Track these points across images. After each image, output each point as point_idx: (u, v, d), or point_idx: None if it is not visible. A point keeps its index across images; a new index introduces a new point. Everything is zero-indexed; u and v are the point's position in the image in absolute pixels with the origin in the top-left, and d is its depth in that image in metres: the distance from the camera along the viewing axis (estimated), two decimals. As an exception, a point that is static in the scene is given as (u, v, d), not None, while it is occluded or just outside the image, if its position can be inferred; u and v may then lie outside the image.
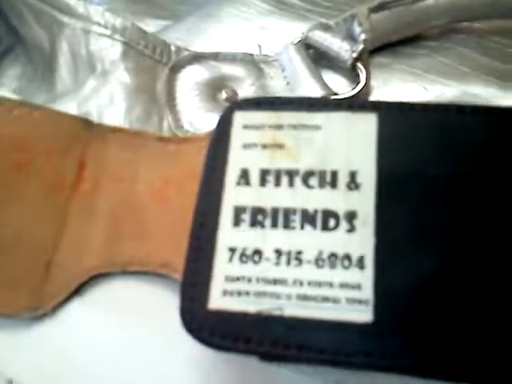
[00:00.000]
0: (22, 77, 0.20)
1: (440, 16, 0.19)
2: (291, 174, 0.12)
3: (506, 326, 0.10)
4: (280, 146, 0.12)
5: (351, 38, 0.18)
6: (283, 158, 0.12)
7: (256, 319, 0.11)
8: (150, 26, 0.22)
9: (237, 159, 0.12)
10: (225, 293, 0.11)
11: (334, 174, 0.12)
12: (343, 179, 0.11)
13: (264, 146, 0.12)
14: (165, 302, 0.13)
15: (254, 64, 0.19)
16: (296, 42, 0.18)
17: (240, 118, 0.12)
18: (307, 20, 0.20)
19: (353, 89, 0.17)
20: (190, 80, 0.18)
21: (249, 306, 0.11)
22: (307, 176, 0.12)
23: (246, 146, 0.12)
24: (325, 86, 0.17)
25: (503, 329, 0.10)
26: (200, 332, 0.11)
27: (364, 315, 0.10)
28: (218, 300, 0.11)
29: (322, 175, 0.12)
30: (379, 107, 0.12)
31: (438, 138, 0.11)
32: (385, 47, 0.19)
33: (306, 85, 0.17)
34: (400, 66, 0.18)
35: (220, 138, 0.12)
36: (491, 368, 0.10)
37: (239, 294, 0.11)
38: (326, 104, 0.12)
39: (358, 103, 0.12)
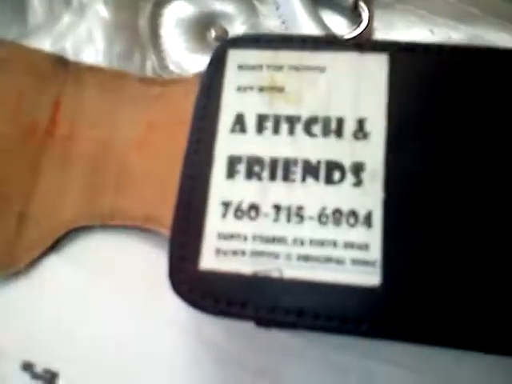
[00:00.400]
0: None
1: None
2: (292, 121, 0.10)
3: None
4: (279, 89, 0.11)
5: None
6: (283, 102, 0.11)
7: (252, 281, 0.10)
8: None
9: (231, 103, 0.11)
10: (218, 252, 0.10)
11: (340, 122, 0.10)
12: (350, 127, 0.10)
13: (261, 89, 0.11)
14: (150, 260, 0.12)
15: (246, 0, 0.17)
16: (292, -23, 0.17)
17: (234, 57, 0.11)
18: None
19: (355, 29, 0.16)
20: (176, 16, 0.16)
21: (244, 266, 0.10)
22: (309, 123, 0.10)
23: (242, 89, 0.11)
24: (324, 26, 0.16)
25: (505, 295, 0.09)
26: (190, 294, 0.10)
27: (371, 278, 0.09)
28: (210, 260, 0.10)
29: (326, 122, 0.10)
30: (391, 48, 0.11)
31: (454, 83, 0.10)
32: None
33: (303, 24, 0.16)
34: (404, 6, 0.17)
35: (212, 80, 0.11)
36: (494, 332, 0.09)
37: (234, 253, 0.10)
38: (332, 43, 0.11)
39: (367, 43, 0.11)
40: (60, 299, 0.12)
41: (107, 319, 0.12)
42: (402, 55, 0.11)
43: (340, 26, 0.17)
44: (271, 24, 0.17)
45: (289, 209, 0.10)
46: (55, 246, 0.13)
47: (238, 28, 0.17)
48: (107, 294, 0.12)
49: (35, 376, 0.11)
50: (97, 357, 0.12)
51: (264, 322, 0.10)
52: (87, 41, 0.15)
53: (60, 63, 0.14)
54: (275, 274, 0.10)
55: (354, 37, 0.15)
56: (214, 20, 0.17)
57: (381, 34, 0.16)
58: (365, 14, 0.16)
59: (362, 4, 0.16)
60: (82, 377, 0.12)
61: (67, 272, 0.13)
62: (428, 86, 0.10)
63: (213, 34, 0.16)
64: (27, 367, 0.11)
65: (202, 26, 0.17)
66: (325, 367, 0.11)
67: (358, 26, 0.16)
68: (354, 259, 0.10)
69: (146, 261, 0.13)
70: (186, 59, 0.16)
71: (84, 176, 0.13)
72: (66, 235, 0.13)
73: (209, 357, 0.11)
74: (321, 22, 0.16)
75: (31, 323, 0.12)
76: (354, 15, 0.16)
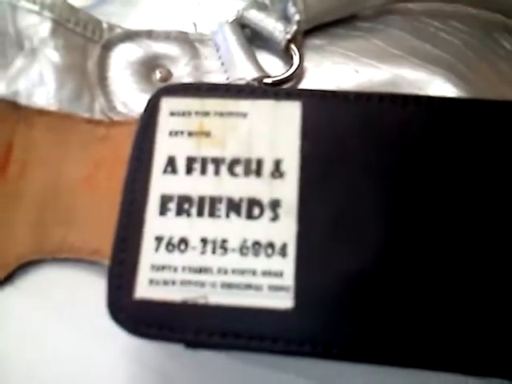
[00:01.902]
0: None
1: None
2: (217, 162, 0.12)
3: (416, 308, 0.11)
4: (206, 134, 0.12)
5: (286, 18, 0.18)
6: (209, 145, 0.12)
7: (181, 307, 0.11)
8: (80, 1, 0.21)
9: (164, 147, 0.12)
10: (151, 282, 0.11)
11: (259, 163, 0.12)
12: (268, 167, 0.12)
13: (190, 134, 0.12)
14: (99, 290, 0.13)
15: (189, 43, 0.18)
16: (231, 20, 0.18)
17: (167, 104, 0.12)
18: (245, -3, 0.19)
19: (286, 71, 0.17)
20: (123, 59, 0.18)
21: (174, 294, 0.11)
22: (233, 164, 0.12)
23: (173, 134, 0.12)
24: (259, 67, 0.17)
25: (417, 311, 0.11)
26: (127, 321, 0.11)
27: (284, 302, 0.11)
28: (144, 289, 0.11)
29: (247, 163, 0.12)
30: (303, 95, 0.12)
31: (361, 127, 0.12)
32: (319, 28, 0.19)
33: (240, 65, 0.17)
34: (333, 47, 0.18)
35: (147, 125, 0.12)
36: (405, 348, 0.11)
37: (165, 283, 0.11)
38: (253, 91, 0.12)
39: (283, 91, 0.12)
40: (14, 328, 0.13)
41: (59, 346, 0.13)
42: (313, 102, 0.12)
43: (275, 65, 0.18)
44: (212, 65, 0.18)
45: (214, 242, 0.11)
46: (10, 278, 0.14)
47: (181, 69, 0.18)
48: (59, 323, 0.13)
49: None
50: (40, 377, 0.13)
51: (191, 344, 0.11)
52: (39, 83, 0.17)
53: (12, 107, 0.15)
54: (202, 301, 0.11)
55: (286, 78, 0.17)
56: (159, 62, 0.18)
57: (311, 72, 0.18)
58: (296, 56, 0.17)
59: (293, 47, 0.18)
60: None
61: (21, 302, 0.14)
62: (337, 129, 0.12)
63: (158, 75, 0.18)
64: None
65: (148, 67, 0.18)
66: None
67: (290, 67, 0.17)
68: (271, 285, 0.11)
69: (95, 290, 0.14)
70: (133, 100, 0.17)
71: (34, 213, 0.14)
72: (19, 268, 0.14)
73: (146, 376, 0.12)
74: (256, 64, 0.17)
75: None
76: (286, 56, 0.18)
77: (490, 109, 0.12)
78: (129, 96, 0.17)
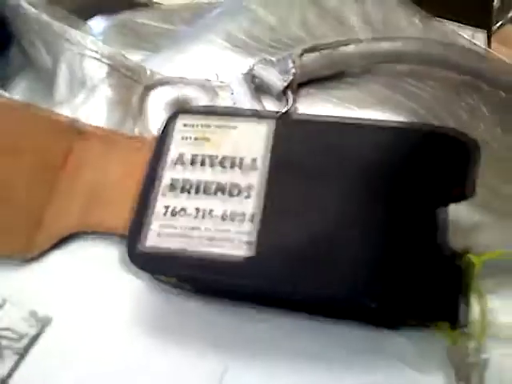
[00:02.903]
0: (30, 89, 0.25)
1: (359, 60, 0.24)
2: (212, 158, 0.17)
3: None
4: (207, 139, 0.17)
5: (286, 71, 0.23)
6: (208, 147, 0.17)
7: (178, 253, 0.16)
8: (136, 54, 0.27)
9: (177, 146, 0.17)
10: (159, 235, 0.16)
11: (241, 160, 0.17)
12: (247, 163, 0.17)
13: (196, 139, 0.17)
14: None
15: (211, 88, 0.24)
16: (244, 72, 0.24)
17: (182, 118, 0.18)
18: (256, 56, 0.25)
19: (283, 108, 0.22)
20: (159, 97, 0.23)
21: (174, 244, 0.16)
22: (223, 160, 0.17)
23: (184, 138, 0.17)
24: (262, 105, 0.22)
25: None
26: (139, 261, 0.16)
27: (249, 251, 0.15)
28: (153, 239, 0.16)
29: (233, 160, 0.17)
30: (276, 117, 0.17)
31: (313, 141, 0.17)
32: (314, 80, 0.24)
33: (248, 105, 0.23)
34: (323, 95, 0.24)
35: (167, 130, 0.17)
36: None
37: (168, 235, 0.16)
38: (242, 113, 0.17)
39: (263, 113, 0.17)
40: (58, 282, 0.18)
41: (90, 294, 0.18)
42: (283, 121, 0.17)
43: (276, 107, 0.23)
44: (226, 104, 0.23)
45: (204, 210, 0.16)
46: (60, 243, 0.19)
47: (203, 107, 0.23)
48: (93, 278, 0.18)
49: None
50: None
51: (181, 279, 0.16)
52: (94, 112, 0.22)
53: (73, 125, 0.20)
54: (192, 249, 0.16)
55: (282, 113, 0.22)
56: (187, 101, 0.23)
57: (302, 111, 0.23)
58: (290, 99, 0.23)
59: (288, 92, 0.23)
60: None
61: (66, 262, 0.19)
62: (297, 140, 0.17)
63: (185, 110, 0.23)
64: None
65: (178, 105, 0.23)
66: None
67: (286, 106, 0.22)
68: (240, 240, 0.16)
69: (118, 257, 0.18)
70: (163, 126, 0.22)
71: (83, 200, 0.19)
72: (68, 237, 0.19)
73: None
74: (260, 103, 0.23)
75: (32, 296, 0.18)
76: (284, 100, 0.23)
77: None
78: (159, 123, 0.22)
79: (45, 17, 0.23)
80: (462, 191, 0.17)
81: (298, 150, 0.16)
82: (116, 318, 0.17)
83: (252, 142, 0.17)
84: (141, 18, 0.33)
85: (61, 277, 0.18)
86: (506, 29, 0.57)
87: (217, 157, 0.17)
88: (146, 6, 0.38)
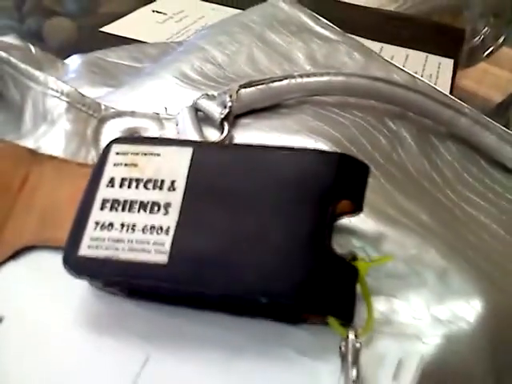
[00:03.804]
0: (3, 123, 0.28)
1: (290, 93, 0.28)
2: (138, 181, 0.20)
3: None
4: (135, 165, 0.20)
5: (223, 105, 0.26)
6: (135, 171, 0.20)
7: (105, 261, 0.18)
8: (100, 90, 0.31)
9: (109, 171, 0.20)
10: (89, 246, 0.19)
11: (163, 182, 0.20)
12: (167, 184, 0.19)
13: (126, 165, 0.20)
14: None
15: (159, 120, 0.27)
16: (189, 106, 0.27)
17: (115, 147, 0.21)
18: (203, 91, 0.28)
19: (220, 137, 0.25)
20: (112, 129, 0.26)
21: (101, 253, 0.19)
22: (147, 182, 0.20)
23: (116, 164, 0.20)
24: (201, 135, 0.26)
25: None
26: (73, 269, 0.19)
27: (163, 259, 0.18)
28: (84, 250, 0.19)
29: (155, 182, 0.20)
30: (195, 144, 0.20)
31: (224, 165, 0.20)
32: (252, 112, 0.27)
33: (190, 134, 0.26)
34: (257, 125, 0.27)
35: (102, 159, 0.20)
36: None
37: (97, 247, 0.19)
38: (166, 141, 0.20)
39: (184, 141, 0.20)
40: (12, 290, 0.21)
41: (41, 302, 0.21)
42: (200, 147, 0.20)
43: (215, 135, 0.26)
44: (171, 134, 0.26)
45: (128, 225, 0.19)
46: (14, 256, 0.22)
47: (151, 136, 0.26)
48: (44, 287, 0.21)
49: None
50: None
51: (108, 284, 0.18)
52: (54, 142, 0.25)
53: (32, 152, 0.23)
54: (115, 257, 0.18)
55: (218, 142, 0.25)
56: (136, 131, 0.27)
57: (237, 139, 0.26)
58: (225, 129, 0.26)
59: (224, 123, 0.26)
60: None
61: (18, 272, 0.21)
62: (211, 164, 0.20)
63: (133, 139, 0.26)
64: None
65: (128, 135, 0.26)
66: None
67: (222, 134, 0.25)
68: (156, 250, 0.18)
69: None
70: (114, 154, 0.25)
71: (38, 217, 0.22)
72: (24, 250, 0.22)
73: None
74: (200, 133, 0.26)
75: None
76: (221, 129, 0.26)
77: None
78: (111, 152, 0.25)
79: (13, 60, 0.27)
80: (354, 206, 0.20)
81: (210, 172, 0.19)
82: (61, 318, 0.20)
83: (172, 166, 0.20)
84: (112, 56, 0.36)
85: (14, 283, 0.21)
86: (500, 51, 0.60)
87: (142, 180, 0.20)
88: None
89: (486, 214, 0.25)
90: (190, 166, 0.20)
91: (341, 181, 0.19)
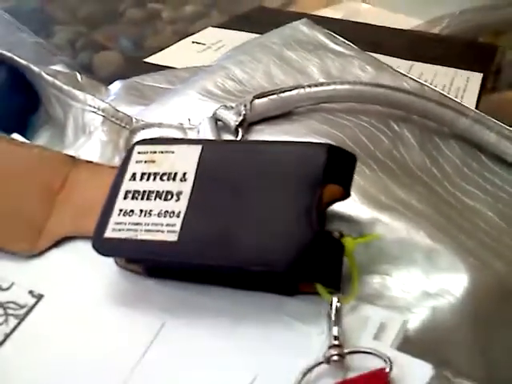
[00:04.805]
0: (50, 137, 0.33)
1: (299, 102, 0.30)
2: (155, 174, 0.23)
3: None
4: (153, 161, 0.23)
5: (239, 114, 0.30)
6: (153, 166, 0.23)
7: (126, 241, 0.22)
8: (135, 109, 0.34)
9: (131, 167, 0.23)
10: (113, 229, 0.22)
11: (176, 174, 0.23)
12: (179, 176, 0.23)
13: (146, 161, 0.24)
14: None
15: (183, 130, 0.30)
16: (210, 116, 0.30)
17: (137, 148, 0.24)
18: (222, 103, 0.31)
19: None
20: (142, 138, 0.30)
21: (124, 234, 0.22)
22: (163, 175, 0.23)
23: (137, 162, 0.24)
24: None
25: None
26: (101, 249, 0.22)
27: (174, 237, 0.21)
28: (109, 233, 0.22)
29: (169, 174, 0.23)
30: (204, 142, 0.23)
31: (228, 158, 0.23)
32: (266, 119, 0.30)
33: (209, 141, 0.29)
34: (269, 130, 0.30)
35: (126, 157, 0.24)
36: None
37: (119, 230, 0.22)
38: (179, 141, 0.24)
39: (194, 140, 0.24)
40: (54, 272, 0.25)
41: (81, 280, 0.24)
42: (208, 145, 0.23)
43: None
44: (193, 141, 0.30)
45: (146, 211, 0.22)
46: (56, 245, 0.25)
47: (175, 144, 0.30)
48: (83, 269, 0.24)
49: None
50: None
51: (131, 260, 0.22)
52: (91, 150, 0.29)
53: (71, 158, 0.27)
54: (135, 237, 0.22)
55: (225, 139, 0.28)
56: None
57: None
58: (239, 134, 0.29)
59: (239, 129, 0.29)
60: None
61: (62, 257, 0.25)
62: (216, 159, 0.23)
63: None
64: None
65: (156, 143, 0.30)
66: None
67: (237, 138, 0.29)
68: (169, 230, 0.21)
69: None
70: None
71: (75, 212, 0.26)
72: (64, 240, 0.25)
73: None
74: (219, 139, 0.29)
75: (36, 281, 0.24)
76: (235, 134, 0.29)
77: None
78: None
79: (57, 82, 0.31)
80: (343, 193, 0.22)
81: (216, 164, 0.22)
82: (92, 295, 0.23)
83: (184, 160, 0.23)
84: (148, 80, 0.40)
85: (54, 267, 0.24)
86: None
87: (158, 173, 0.23)
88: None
89: (482, 203, 0.27)
90: (199, 160, 0.23)
91: (329, 167, 0.22)
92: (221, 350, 0.20)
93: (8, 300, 0.23)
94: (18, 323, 0.22)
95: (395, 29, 0.71)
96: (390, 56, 0.61)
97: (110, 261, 0.24)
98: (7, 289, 0.23)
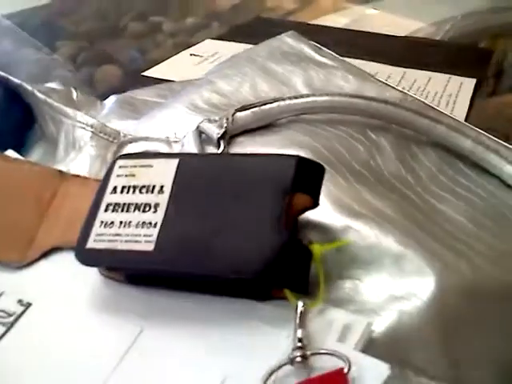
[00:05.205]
0: (43, 153, 0.34)
1: (280, 114, 0.32)
2: (135, 187, 0.24)
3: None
4: (133, 175, 0.25)
5: (221, 126, 0.31)
6: (133, 180, 0.25)
7: (106, 251, 0.23)
8: (126, 123, 0.36)
9: (112, 182, 0.25)
10: (94, 240, 0.23)
11: (154, 186, 0.24)
12: (157, 188, 0.24)
13: (126, 175, 0.25)
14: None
15: (168, 142, 0.32)
16: (194, 129, 0.32)
17: (119, 162, 0.25)
18: (207, 117, 0.33)
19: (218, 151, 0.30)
20: (129, 151, 0.31)
21: (102, 245, 0.23)
22: (142, 188, 0.24)
23: (118, 175, 0.25)
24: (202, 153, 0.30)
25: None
26: (83, 260, 0.23)
27: (150, 247, 0.22)
28: (91, 243, 0.23)
29: (148, 187, 0.24)
30: (181, 155, 0.25)
31: (203, 170, 0.24)
32: (247, 131, 0.32)
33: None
34: (250, 142, 0.31)
35: (108, 172, 0.25)
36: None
37: (101, 240, 0.23)
38: (158, 155, 0.25)
39: (171, 154, 0.25)
40: (43, 279, 0.26)
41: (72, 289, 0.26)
42: (185, 158, 0.24)
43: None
44: (178, 154, 0.31)
45: (125, 222, 0.23)
46: (44, 255, 0.27)
47: (161, 156, 0.31)
48: (72, 276, 0.26)
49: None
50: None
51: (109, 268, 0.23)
52: (81, 165, 0.31)
53: (61, 173, 0.29)
54: (114, 248, 0.23)
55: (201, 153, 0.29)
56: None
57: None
58: (221, 146, 0.30)
59: (220, 141, 0.30)
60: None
61: (48, 267, 0.26)
62: (191, 171, 0.24)
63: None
64: (20, 301, 0.25)
65: (143, 156, 0.31)
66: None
67: (218, 150, 0.30)
68: (146, 240, 0.23)
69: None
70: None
71: (65, 223, 0.27)
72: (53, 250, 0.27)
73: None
74: (202, 151, 0.30)
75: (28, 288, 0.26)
76: (217, 146, 0.30)
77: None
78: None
79: (49, 100, 0.33)
80: (313, 202, 0.24)
81: (192, 176, 0.24)
82: (76, 303, 0.24)
83: (162, 174, 0.24)
84: (141, 94, 0.42)
85: (42, 276, 0.26)
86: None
87: (138, 186, 0.24)
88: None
89: (453, 208, 0.28)
90: (176, 173, 0.24)
91: (298, 177, 0.23)
92: (193, 353, 0.21)
93: (-3, 309, 0.24)
94: (6, 331, 0.24)
95: (390, 35, 0.72)
96: (384, 63, 0.62)
97: (94, 270, 0.25)
98: (-4, 297, 0.25)
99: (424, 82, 0.60)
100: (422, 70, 0.62)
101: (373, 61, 0.62)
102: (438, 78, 0.61)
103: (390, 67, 0.63)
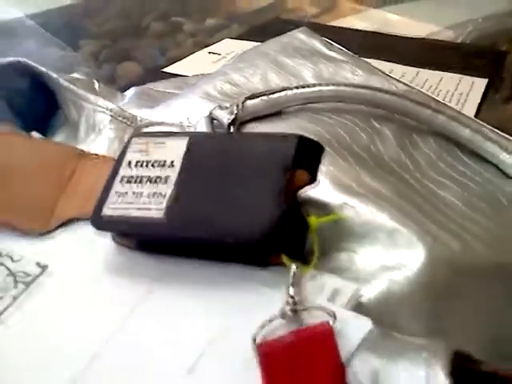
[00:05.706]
0: (65, 136, 0.36)
1: (288, 102, 0.33)
2: (147, 162, 0.26)
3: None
4: (147, 151, 0.27)
5: (232, 113, 0.33)
6: (146, 156, 0.27)
7: (120, 218, 0.25)
8: (144, 111, 0.38)
9: (128, 157, 0.27)
10: (109, 208, 0.25)
11: (165, 162, 0.26)
12: (168, 163, 0.26)
13: (140, 151, 0.27)
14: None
15: (182, 127, 0.34)
16: (206, 115, 0.34)
17: (134, 140, 0.27)
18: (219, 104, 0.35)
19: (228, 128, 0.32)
20: (145, 134, 0.33)
21: (118, 212, 0.25)
22: (154, 162, 0.26)
23: (133, 151, 0.27)
24: (212, 136, 0.32)
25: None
26: (98, 225, 0.25)
27: (160, 215, 0.24)
28: (106, 210, 0.25)
29: (160, 162, 0.26)
30: (190, 134, 0.27)
31: (211, 147, 0.26)
32: (257, 118, 0.34)
33: (204, 136, 0.32)
34: (260, 128, 0.33)
35: (124, 149, 0.27)
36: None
37: (115, 208, 0.25)
38: (169, 134, 0.27)
39: (182, 134, 0.27)
40: (59, 248, 0.28)
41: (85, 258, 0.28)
42: (195, 137, 0.26)
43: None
44: (190, 137, 0.33)
45: (138, 193, 0.25)
46: (62, 225, 0.29)
47: (175, 140, 0.33)
48: (80, 245, 0.28)
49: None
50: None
51: (123, 234, 0.25)
52: (100, 145, 0.33)
53: (80, 151, 0.31)
54: (128, 214, 0.25)
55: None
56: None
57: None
58: (232, 131, 0.32)
59: (231, 127, 0.32)
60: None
61: (66, 235, 0.29)
62: (201, 149, 0.26)
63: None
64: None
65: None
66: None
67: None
68: (157, 208, 0.25)
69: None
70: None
71: (82, 197, 0.29)
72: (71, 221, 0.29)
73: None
74: (212, 135, 0.32)
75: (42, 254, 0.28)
76: (228, 131, 0.32)
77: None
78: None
79: (72, 86, 0.35)
80: (311, 178, 0.25)
81: (201, 153, 0.26)
82: (90, 267, 0.27)
83: (173, 150, 0.26)
84: (159, 86, 0.44)
85: (60, 244, 0.28)
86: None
87: (150, 161, 0.26)
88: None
89: (448, 191, 0.29)
90: (186, 149, 0.26)
91: (298, 154, 0.25)
92: (195, 310, 0.23)
93: (18, 269, 0.26)
94: (25, 288, 0.26)
95: (405, 37, 0.73)
96: (394, 63, 0.64)
97: (107, 239, 0.27)
98: (18, 260, 0.27)
99: (436, 81, 0.61)
100: (435, 70, 0.64)
101: (388, 61, 0.64)
102: (450, 78, 0.62)
103: (404, 67, 0.65)
